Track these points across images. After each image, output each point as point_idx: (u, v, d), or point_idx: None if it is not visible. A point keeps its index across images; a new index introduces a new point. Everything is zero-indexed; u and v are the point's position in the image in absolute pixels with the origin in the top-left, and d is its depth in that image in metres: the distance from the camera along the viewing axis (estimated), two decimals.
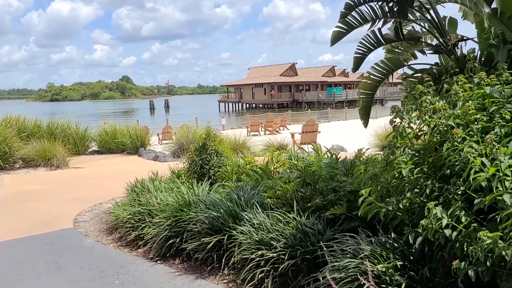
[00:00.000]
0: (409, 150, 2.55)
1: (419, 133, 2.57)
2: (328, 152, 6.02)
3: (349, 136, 17.59)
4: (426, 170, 2.46)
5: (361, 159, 4.30)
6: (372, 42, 5.70)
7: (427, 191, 2.33)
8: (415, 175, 2.37)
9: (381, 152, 8.39)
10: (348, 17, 5.39)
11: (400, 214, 2.46)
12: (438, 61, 5.52)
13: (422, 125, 2.55)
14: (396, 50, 6.25)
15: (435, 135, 2.40)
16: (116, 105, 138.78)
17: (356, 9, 5.37)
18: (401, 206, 2.41)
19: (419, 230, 2.27)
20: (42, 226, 5.45)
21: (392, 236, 2.65)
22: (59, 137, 11.88)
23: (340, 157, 5.25)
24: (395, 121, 2.77)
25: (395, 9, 5.55)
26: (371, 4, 5.38)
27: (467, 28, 5.93)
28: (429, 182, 2.34)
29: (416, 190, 2.40)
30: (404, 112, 2.71)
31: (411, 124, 2.67)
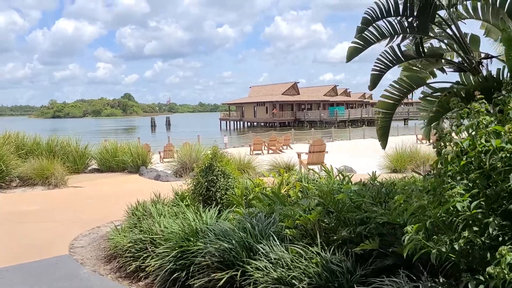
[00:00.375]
0: (463, 180, 2.17)
1: (473, 159, 2.19)
2: (340, 174, 5.64)
3: (356, 156, 17.23)
4: (483, 204, 2.07)
5: (395, 187, 3.90)
6: (391, 58, 5.37)
7: (490, 230, 1.94)
8: (473, 211, 1.98)
9: (393, 175, 7.95)
10: (365, 32, 5.07)
11: (455, 256, 2.06)
12: (459, 80, 5.17)
13: (476, 149, 2.18)
14: (414, 67, 5.93)
15: (497, 162, 2.02)
16: (118, 122, 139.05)
17: (374, 24, 5.07)
18: (456, 247, 2.01)
19: (482, 278, 1.88)
20: (35, 252, 5.03)
21: (441, 281, 2.25)
22: (58, 155, 11.52)
23: (353, 179, 4.88)
24: (440, 145, 2.40)
25: (415, 24, 5.23)
26: (390, 19, 5.07)
27: (488, 46, 5.61)
28: (491, 219, 1.96)
29: (475, 228, 2.01)
30: (453, 134, 2.34)
31: (455, 147, 2.30)
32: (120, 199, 8.10)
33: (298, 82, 76.23)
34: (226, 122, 79.08)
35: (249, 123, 76.98)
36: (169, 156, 15.25)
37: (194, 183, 6.04)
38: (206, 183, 5.70)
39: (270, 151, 22.19)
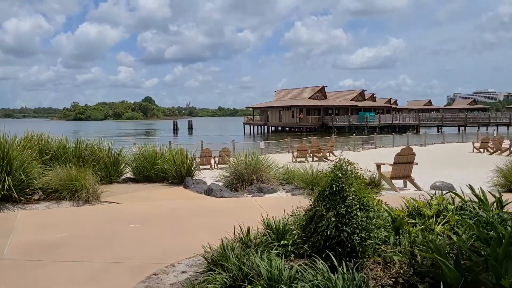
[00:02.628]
0: None
1: None
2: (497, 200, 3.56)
3: (433, 168, 14.98)
4: None
5: None
6: None
7: None
8: None
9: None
10: None
11: None
12: None
13: None
14: None
15: None
16: (139, 125, 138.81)
17: None
18: None
19: None
20: None
21: None
22: (88, 161, 9.64)
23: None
24: None
25: None
26: None
27: None
28: None
29: None
30: None
31: None
32: (173, 224, 6.10)
33: (326, 86, 73.81)
34: (250, 126, 77.20)
35: (273, 128, 74.89)
36: (224, 161, 13.18)
37: (308, 215, 3.97)
38: (333, 218, 3.61)
39: (315, 159, 20.06)
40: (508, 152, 23.53)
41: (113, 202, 7.82)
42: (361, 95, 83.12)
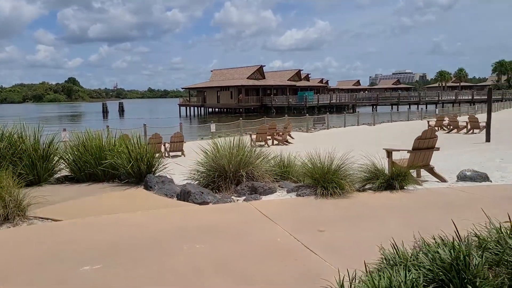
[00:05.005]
0: None
1: None
2: None
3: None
4: None
5: None
6: None
7: None
8: None
9: None
10: None
11: None
12: None
13: None
14: None
15: None
16: (63, 108, 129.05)
17: None
18: None
19: None
20: None
21: None
22: (5, 157, 6.91)
23: None
24: None
25: None
26: None
27: None
28: None
29: None
30: None
31: None
32: (159, 261, 3.76)
33: (264, 66, 72.21)
34: (186, 108, 73.86)
35: (211, 109, 72.22)
36: (177, 149, 10.79)
37: None
38: None
39: (275, 142, 18.16)
40: (465, 130, 23.31)
41: (48, 219, 5.28)
42: (298, 75, 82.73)
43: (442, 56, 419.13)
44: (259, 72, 71.01)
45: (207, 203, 6.02)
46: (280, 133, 19.00)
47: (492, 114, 33.31)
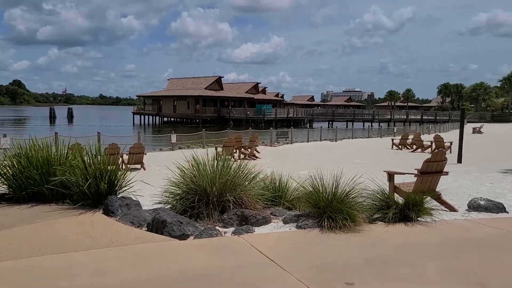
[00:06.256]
0: None
1: None
2: None
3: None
4: None
5: None
6: None
7: None
8: None
9: None
10: None
11: None
12: None
13: None
14: None
15: None
16: (5, 112, 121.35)
17: None
18: None
19: None
20: None
21: None
22: None
23: None
24: None
25: None
26: None
27: None
28: None
29: None
30: None
31: None
32: None
33: (223, 77, 71.17)
34: (140, 116, 71.22)
35: (167, 119, 70.01)
36: (136, 161, 9.33)
37: None
38: None
39: (241, 156, 17.00)
40: (430, 149, 23.21)
41: None
42: (255, 88, 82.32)
43: (389, 76, 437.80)
44: (217, 83, 69.81)
45: (188, 236, 4.76)
46: (246, 147, 17.88)
47: (443, 134, 33.97)
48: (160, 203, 5.81)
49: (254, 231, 5.00)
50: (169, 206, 5.76)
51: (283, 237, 4.82)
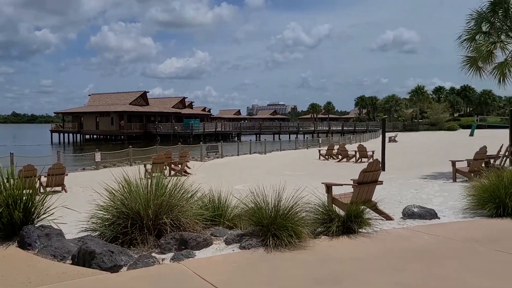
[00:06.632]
0: None
1: None
2: None
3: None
4: None
5: None
6: None
7: None
8: None
9: None
10: None
11: None
12: None
13: None
14: None
15: None
16: None
17: None
18: None
19: None
20: None
21: None
22: None
23: None
24: None
25: None
26: None
27: None
28: None
29: None
30: None
31: None
32: None
33: (148, 92, 69.33)
34: (60, 134, 66.99)
35: (89, 136, 66.48)
36: (56, 183, 8.42)
37: None
38: None
39: (172, 173, 16.36)
40: (354, 159, 24.13)
41: None
42: (182, 102, 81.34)
43: (310, 90, 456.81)
44: (143, 98, 67.83)
45: (120, 267, 4.26)
46: (177, 163, 17.28)
47: (363, 143, 35.69)
48: (87, 230, 5.21)
49: (195, 255, 4.62)
50: (97, 233, 5.18)
51: (227, 260, 4.49)
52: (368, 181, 6.59)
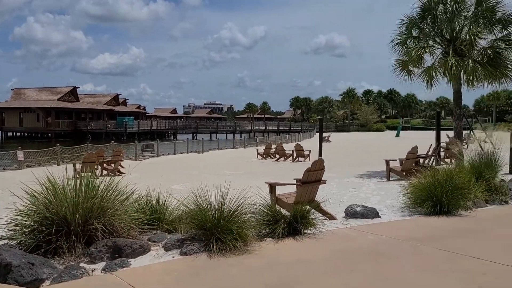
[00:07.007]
0: None
1: None
2: None
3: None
4: None
5: None
6: None
7: None
8: None
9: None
10: None
11: None
12: None
13: None
14: None
15: None
16: None
17: None
18: None
19: None
20: None
21: None
22: None
23: None
24: None
25: None
26: None
27: None
28: None
29: None
30: None
31: None
32: None
33: (78, 87, 65.80)
34: None
35: (11, 133, 61.79)
36: None
37: None
38: None
39: (104, 172, 15.42)
40: (291, 158, 24.36)
41: None
42: (115, 99, 78.22)
43: (246, 90, 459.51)
44: (72, 94, 64.18)
45: (43, 281, 3.75)
46: (110, 162, 16.35)
47: (299, 143, 36.39)
48: (3, 239, 4.57)
49: (131, 264, 4.18)
50: (15, 242, 4.55)
51: (167, 268, 4.11)
52: (312, 180, 6.47)
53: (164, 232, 5.17)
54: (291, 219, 5.26)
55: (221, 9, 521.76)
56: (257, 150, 27.48)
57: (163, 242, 4.77)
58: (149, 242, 4.76)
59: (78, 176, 9.15)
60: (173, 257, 4.41)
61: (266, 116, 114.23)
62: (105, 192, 4.84)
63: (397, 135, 61.22)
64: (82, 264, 4.14)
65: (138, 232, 4.88)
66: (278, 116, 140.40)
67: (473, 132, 22.13)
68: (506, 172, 10.70)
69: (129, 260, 4.25)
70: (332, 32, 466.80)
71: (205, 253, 4.42)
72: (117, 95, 78.93)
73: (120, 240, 4.45)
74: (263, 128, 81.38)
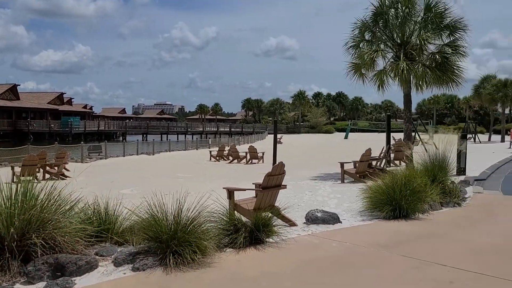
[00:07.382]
0: None
1: None
2: None
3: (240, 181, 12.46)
4: None
5: None
6: None
7: None
8: None
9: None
10: None
11: None
12: None
13: None
14: None
15: None
16: None
17: None
18: None
19: None
20: None
21: None
22: None
23: None
24: None
25: None
26: None
27: None
28: None
29: None
30: None
31: None
32: None
33: (19, 85, 62.08)
34: None
35: None
36: None
37: None
38: None
39: (47, 176, 14.39)
40: (245, 160, 24.09)
41: None
42: (60, 98, 74.60)
43: (198, 90, 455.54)
44: (12, 92, 60.36)
45: None
46: (53, 165, 15.33)
47: (251, 145, 36.29)
48: None
49: (75, 284, 3.71)
50: None
51: (117, 287, 3.67)
52: (272, 185, 6.21)
53: (114, 244, 4.70)
54: (252, 227, 4.96)
55: (172, 8, 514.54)
56: (210, 152, 26.99)
57: (112, 256, 4.31)
58: (97, 257, 4.29)
59: (17, 181, 8.26)
60: (124, 273, 3.98)
61: (218, 117, 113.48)
62: (46, 202, 4.31)
63: (346, 137, 62.76)
64: (17, 285, 3.63)
65: (84, 245, 4.38)
66: (230, 118, 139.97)
67: (418, 134, 22.96)
68: (454, 174, 11.00)
69: (73, 279, 3.78)
70: (282, 35, 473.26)
71: (161, 268, 4.02)
72: (62, 93, 75.33)
73: (63, 256, 3.96)
74: (215, 129, 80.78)
